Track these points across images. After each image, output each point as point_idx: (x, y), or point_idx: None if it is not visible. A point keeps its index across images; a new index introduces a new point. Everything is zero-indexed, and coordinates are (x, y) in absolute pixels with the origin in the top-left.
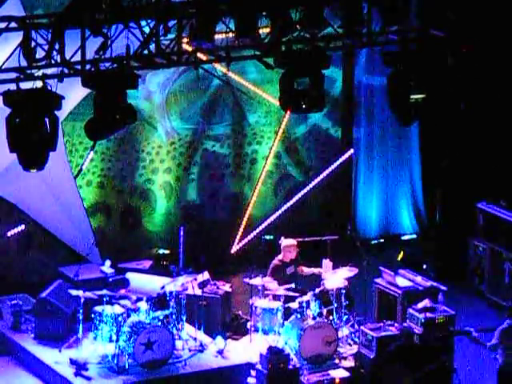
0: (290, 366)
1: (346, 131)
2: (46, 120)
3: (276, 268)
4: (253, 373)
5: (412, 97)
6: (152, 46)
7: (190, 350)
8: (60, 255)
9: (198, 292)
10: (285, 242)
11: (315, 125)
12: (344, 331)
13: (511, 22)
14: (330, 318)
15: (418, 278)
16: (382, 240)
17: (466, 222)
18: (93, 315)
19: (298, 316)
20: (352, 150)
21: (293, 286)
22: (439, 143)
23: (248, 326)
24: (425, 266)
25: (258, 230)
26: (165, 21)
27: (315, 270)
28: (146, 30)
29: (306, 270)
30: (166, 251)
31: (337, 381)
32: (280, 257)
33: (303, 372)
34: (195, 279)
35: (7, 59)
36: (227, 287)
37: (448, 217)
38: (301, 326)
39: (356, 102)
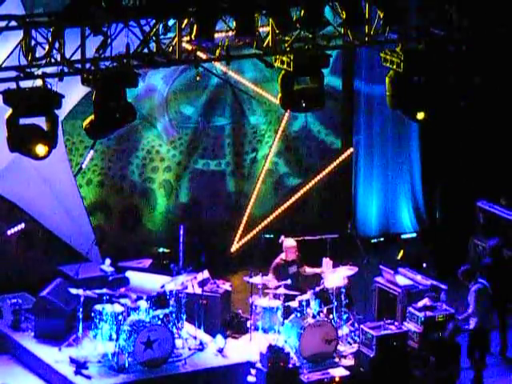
0: (290, 365)
1: (346, 128)
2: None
3: (278, 266)
4: (253, 371)
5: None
6: (152, 45)
7: (189, 349)
8: (60, 254)
9: (198, 291)
10: (286, 242)
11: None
12: (344, 330)
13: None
14: (330, 316)
15: (418, 277)
16: (382, 239)
17: (465, 220)
18: (93, 314)
19: (298, 315)
20: (352, 149)
21: (288, 281)
22: (439, 142)
23: (248, 325)
24: (425, 265)
25: (258, 229)
26: (165, 19)
27: (317, 270)
28: (146, 28)
29: (309, 270)
30: (166, 250)
31: (337, 379)
32: (282, 256)
33: (303, 371)
34: (195, 278)
35: (7, 58)
36: (227, 286)
37: (448, 215)
38: (301, 325)
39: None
